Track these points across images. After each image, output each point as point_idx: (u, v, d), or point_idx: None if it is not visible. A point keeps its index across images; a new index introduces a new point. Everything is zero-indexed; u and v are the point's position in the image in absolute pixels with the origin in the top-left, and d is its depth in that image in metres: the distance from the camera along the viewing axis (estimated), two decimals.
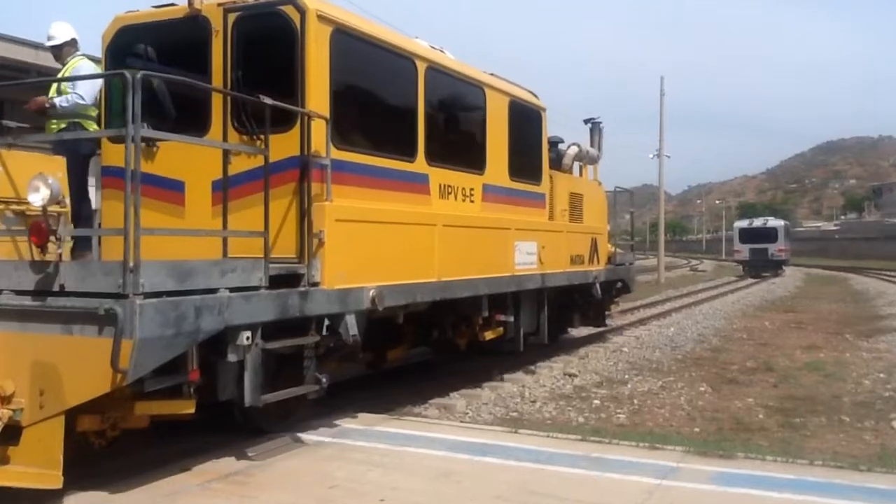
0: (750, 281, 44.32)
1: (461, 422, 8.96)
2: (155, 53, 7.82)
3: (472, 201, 9.90)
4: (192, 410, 6.12)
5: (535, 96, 12.36)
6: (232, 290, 6.06)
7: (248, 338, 6.18)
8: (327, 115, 7.16)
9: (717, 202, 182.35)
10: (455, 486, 5.82)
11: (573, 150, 13.98)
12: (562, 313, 14.00)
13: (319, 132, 7.10)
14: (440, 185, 9.21)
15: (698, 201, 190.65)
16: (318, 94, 7.17)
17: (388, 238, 7.99)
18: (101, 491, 5.56)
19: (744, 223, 56.24)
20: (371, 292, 7.52)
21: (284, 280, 6.74)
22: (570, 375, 12.49)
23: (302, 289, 6.84)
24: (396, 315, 8.73)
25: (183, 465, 6.26)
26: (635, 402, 10.73)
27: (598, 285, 13.92)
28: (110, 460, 6.34)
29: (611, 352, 15.14)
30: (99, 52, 8.17)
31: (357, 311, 7.46)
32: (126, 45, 7.90)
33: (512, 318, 11.09)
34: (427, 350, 12.16)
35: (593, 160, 15.02)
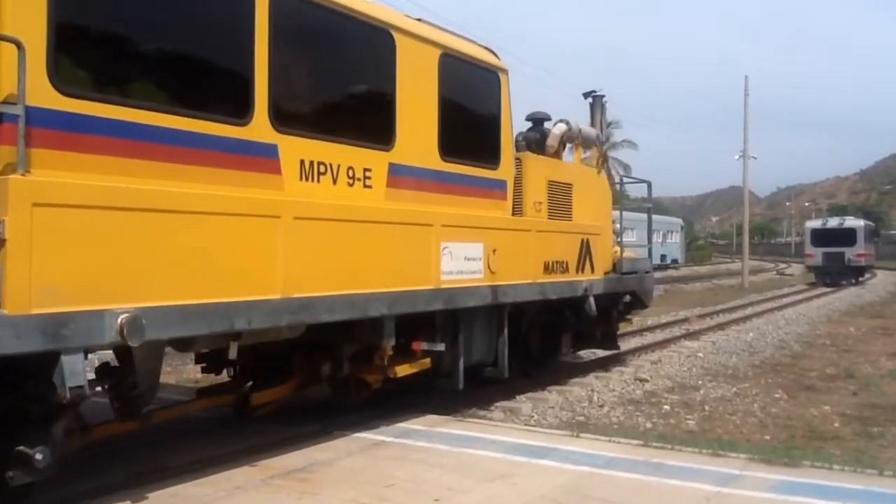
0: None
1: (525, 425, 8.99)
2: None
3: (367, 186, 7.41)
4: None
5: (494, 54, 9.73)
6: None
7: None
8: (34, 35, 4.82)
9: (807, 204, 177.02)
10: (509, 488, 5.86)
11: (560, 128, 11.24)
12: (547, 336, 11.58)
13: (8, 63, 4.70)
14: (301, 162, 6.73)
15: (787, 203, 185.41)
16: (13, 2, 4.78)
17: (170, 234, 5.47)
18: (170, 486, 5.79)
19: (816, 223, 49.07)
20: (121, 318, 4.99)
21: None
22: (641, 380, 12.36)
23: None
24: (226, 348, 6.55)
25: (249, 461, 6.48)
26: (706, 408, 10.56)
27: (591, 300, 10.99)
28: (180, 455, 6.60)
29: (685, 357, 14.90)
30: None
31: (90, 347, 5.08)
32: None
33: (442, 347, 8.50)
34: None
35: (590, 142, 12.13)
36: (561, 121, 11.33)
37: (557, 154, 11.29)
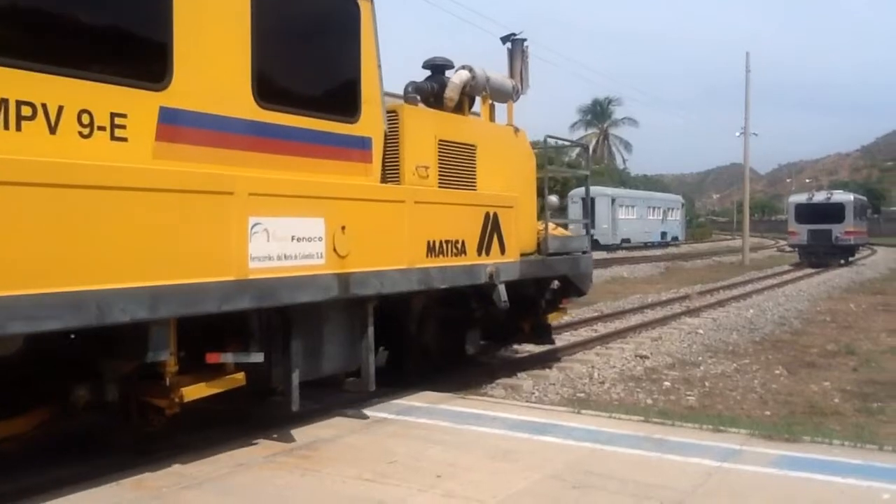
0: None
1: (527, 402, 9.02)
2: None
3: (118, 139, 5.33)
4: None
5: None
6: None
7: None
8: None
9: (808, 181, 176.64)
10: (511, 465, 5.89)
11: (461, 76, 9.21)
12: (450, 332, 9.60)
13: None
14: None
15: (788, 180, 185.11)
16: None
17: None
18: (174, 463, 5.82)
19: (801, 197, 43.38)
20: None
21: None
22: (641, 357, 12.40)
23: None
24: None
25: (251, 439, 6.50)
26: (707, 384, 10.61)
27: (501, 287, 8.92)
28: (185, 434, 6.62)
29: (686, 334, 14.95)
30: None
31: None
32: None
33: (260, 357, 6.34)
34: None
35: (504, 94, 9.90)
36: (463, 67, 9.33)
37: (463, 110, 9.32)
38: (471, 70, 9.26)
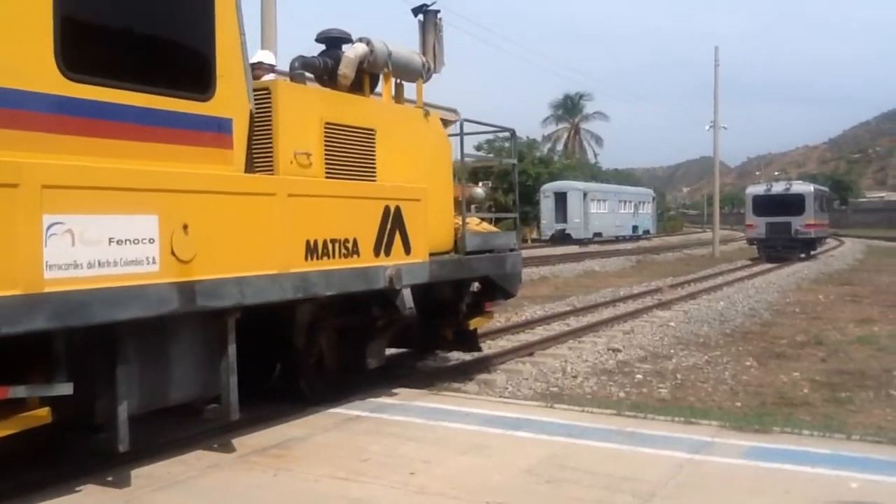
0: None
1: (500, 397, 9.03)
2: None
3: None
4: None
5: None
6: None
7: None
8: None
9: (777, 173, 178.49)
10: (485, 460, 5.90)
11: (357, 50, 7.96)
12: (349, 343, 8.22)
13: None
14: None
15: (757, 173, 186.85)
16: None
17: None
18: (144, 465, 5.75)
19: (759, 188, 41.06)
20: None
21: None
22: (614, 350, 12.45)
23: None
24: None
25: (223, 439, 6.45)
26: (678, 376, 10.68)
27: (405, 292, 7.77)
28: (156, 435, 6.55)
29: (657, 327, 15.03)
30: None
31: None
32: None
33: (69, 388, 5.10)
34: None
35: (411, 72, 8.69)
36: (360, 40, 8.12)
37: (363, 89, 8.18)
38: (369, 43, 8.06)
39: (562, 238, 53.06)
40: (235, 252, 5.95)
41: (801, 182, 44.17)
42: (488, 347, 12.16)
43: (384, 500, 5.07)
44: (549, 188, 56.62)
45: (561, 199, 54.98)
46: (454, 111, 11.03)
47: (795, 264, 33.37)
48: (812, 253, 38.25)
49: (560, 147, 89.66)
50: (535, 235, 57.62)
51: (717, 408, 8.90)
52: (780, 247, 36.21)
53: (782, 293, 21.81)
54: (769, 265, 32.84)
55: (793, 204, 37.06)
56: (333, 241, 6.96)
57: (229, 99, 6.09)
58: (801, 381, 10.33)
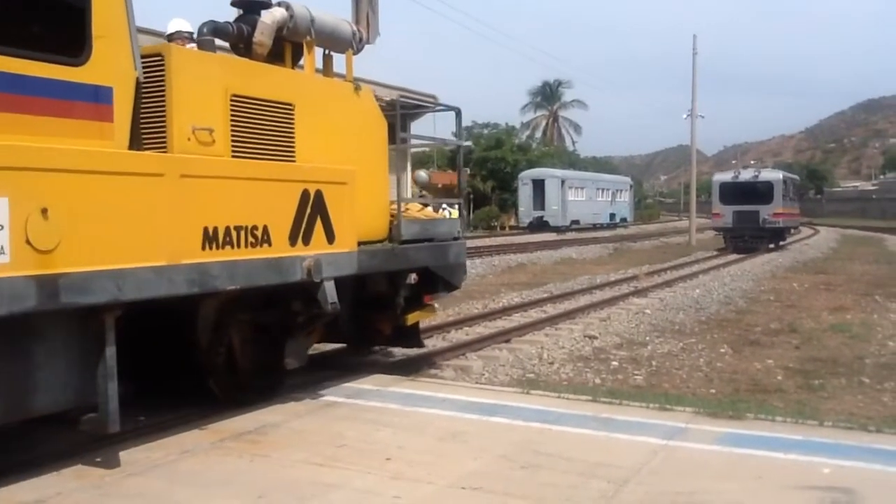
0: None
1: (476, 383, 9.05)
2: None
3: None
4: None
5: None
6: None
7: None
8: None
9: (753, 162, 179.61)
10: (461, 446, 5.91)
11: (276, 14, 7.25)
12: (263, 344, 7.32)
13: None
14: None
15: (734, 162, 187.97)
16: None
17: None
18: (119, 451, 5.71)
19: (726, 176, 39.39)
20: None
21: None
22: (590, 337, 12.52)
23: None
24: None
25: (199, 424, 6.42)
26: (654, 363, 10.76)
27: (328, 285, 7.07)
28: (132, 420, 6.51)
29: (633, 314, 15.12)
30: None
31: None
32: None
33: None
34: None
35: (339, 41, 7.99)
36: (280, 4, 7.35)
37: (283, 60, 7.46)
38: (288, 7, 7.30)
39: (539, 225, 53.23)
40: (112, 240, 5.19)
41: (770, 169, 42.69)
42: (465, 334, 12.20)
43: (360, 485, 5.06)
44: (526, 175, 56.70)
45: (539, 186, 55.11)
46: (433, 97, 10.92)
47: (770, 252, 33.59)
48: (781, 244, 37.02)
49: (538, 134, 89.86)
50: (512, 223, 57.77)
51: (692, 394, 8.98)
52: (748, 236, 34.80)
53: (757, 281, 22.01)
54: (745, 254, 33.01)
55: (761, 192, 35.58)
56: (239, 229, 6.20)
57: (108, 64, 5.27)
58: (774, 369, 10.44)
